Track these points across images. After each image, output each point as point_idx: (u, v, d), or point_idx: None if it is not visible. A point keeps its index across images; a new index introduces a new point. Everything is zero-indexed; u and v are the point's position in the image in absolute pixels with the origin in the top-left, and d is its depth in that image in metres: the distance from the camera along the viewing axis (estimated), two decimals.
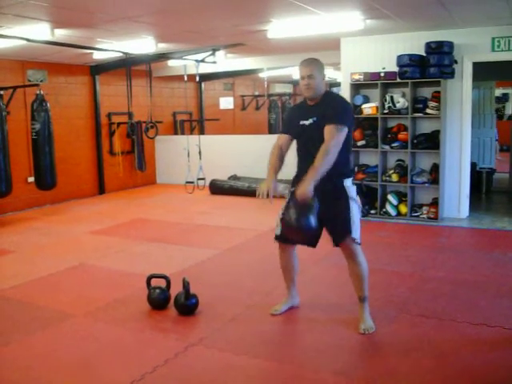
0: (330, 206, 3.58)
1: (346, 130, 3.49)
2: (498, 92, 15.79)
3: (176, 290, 4.09)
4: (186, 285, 3.99)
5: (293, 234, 3.64)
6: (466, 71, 7.02)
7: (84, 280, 5.05)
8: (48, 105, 7.75)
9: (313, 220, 3.43)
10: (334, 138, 3.45)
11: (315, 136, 3.55)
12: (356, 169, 7.48)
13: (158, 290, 4.18)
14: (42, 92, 7.73)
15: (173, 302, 4.09)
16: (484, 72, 7.73)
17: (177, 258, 5.66)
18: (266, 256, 5.52)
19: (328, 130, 3.47)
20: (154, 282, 4.24)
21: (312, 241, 3.75)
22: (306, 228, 3.47)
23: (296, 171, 3.79)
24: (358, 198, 3.70)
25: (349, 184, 3.66)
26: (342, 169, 3.62)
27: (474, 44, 6.93)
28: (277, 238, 3.88)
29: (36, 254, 6.02)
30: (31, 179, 8.44)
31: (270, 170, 3.75)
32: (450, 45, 6.77)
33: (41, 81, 8.73)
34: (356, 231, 3.61)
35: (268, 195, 3.60)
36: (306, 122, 3.63)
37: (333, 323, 3.86)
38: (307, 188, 3.38)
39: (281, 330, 3.90)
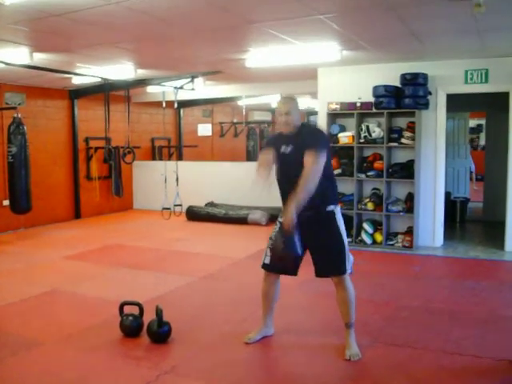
0: (319, 236, 3.69)
1: (324, 154, 3.55)
2: (473, 123, 16.09)
3: (149, 317, 4.05)
4: (159, 312, 3.95)
5: (280, 260, 3.72)
6: (440, 102, 7.16)
7: (56, 306, 4.98)
8: (25, 128, 7.70)
9: (298, 247, 3.54)
10: (314, 163, 3.51)
11: (295, 165, 3.60)
12: None
13: (130, 318, 4.13)
14: (19, 115, 7.69)
15: (145, 329, 4.05)
16: (458, 103, 7.89)
17: (151, 285, 5.61)
18: (241, 284, 5.51)
19: (307, 156, 3.53)
20: (127, 309, 4.19)
21: (295, 270, 3.86)
22: (291, 255, 3.58)
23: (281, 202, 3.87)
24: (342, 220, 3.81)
25: (337, 211, 3.74)
26: (327, 195, 3.69)
27: (447, 76, 7.09)
28: (264, 266, 3.90)
29: (8, 279, 5.91)
30: (6, 202, 8.34)
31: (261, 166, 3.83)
32: (425, 76, 6.92)
33: (19, 104, 8.69)
34: (349, 261, 3.72)
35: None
36: (286, 150, 3.72)
37: (308, 350, 3.85)
38: (290, 216, 3.45)
39: (255, 357, 3.87)
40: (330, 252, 3.72)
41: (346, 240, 3.74)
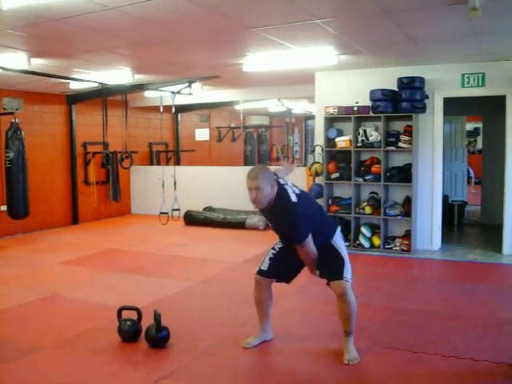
0: (320, 256, 3.70)
1: (306, 239, 3.55)
2: (470, 126, 16.11)
3: (147, 322, 4.04)
4: (157, 317, 3.95)
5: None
6: (436, 106, 7.18)
7: (54, 311, 4.96)
8: (23, 133, 7.70)
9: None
10: (303, 249, 3.62)
11: (282, 235, 3.84)
12: (330, 201, 7.55)
13: (128, 322, 4.12)
14: (17, 120, 7.68)
15: (144, 334, 4.04)
16: (455, 107, 7.91)
17: (149, 290, 5.60)
18: (240, 288, 5.50)
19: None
20: (126, 314, 4.18)
21: (291, 279, 3.96)
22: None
23: None
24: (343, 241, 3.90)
25: (336, 240, 3.79)
26: (323, 235, 3.72)
27: (444, 80, 7.11)
28: (260, 272, 3.90)
29: (5, 284, 5.90)
30: (3, 208, 8.32)
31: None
32: (422, 80, 6.93)
33: (16, 109, 8.68)
34: (347, 271, 3.71)
35: None
36: (268, 223, 3.90)
37: (306, 355, 3.85)
38: (313, 270, 3.76)
39: (254, 362, 3.87)
40: (328, 264, 3.74)
41: (345, 256, 3.76)
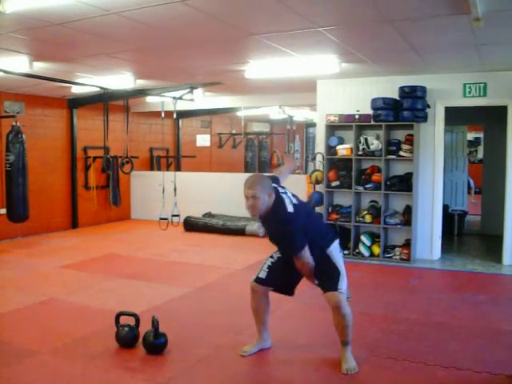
0: (316, 266, 3.65)
1: (304, 249, 3.53)
2: (471, 136, 16.13)
3: (145, 328, 4.02)
4: (155, 323, 3.93)
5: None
6: (438, 115, 7.18)
7: (52, 315, 4.94)
8: (23, 136, 7.70)
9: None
10: (300, 262, 3.59)
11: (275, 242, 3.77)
12: (330, 209, 7.54)
13: (126, 328, 4.10)
14: (18, 123, 7.69)
15: (141, 340, 4.02)
16: (456, 116, 7.91)
17: (147, 296, 5.58)
18: (238, 295, 5.48)
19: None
20: (123, 320, 4.17)
21: (292, 290, 3.90)
22: None
23: None
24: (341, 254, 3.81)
25: (333, 250, 3.72)
26: (320, 245, 3.68)
27: (446, 89, 7.11)
28: (258, 280, 3.86)
29: (4, 288, 5.88)
30: (3, 211, 8.32)
31: None
32: (423, 89, 6.93)
33: (17, 112, 8.69)
34: (343, 283, 3.66)
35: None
36: (267, 231, 3.87)
37: (304, 364, 3.82)
38: (312, 280, 3.71)
39: (251, 371, 3.84)
40: (324, 274, 3.67)
41: (342, 269, 3.70)
